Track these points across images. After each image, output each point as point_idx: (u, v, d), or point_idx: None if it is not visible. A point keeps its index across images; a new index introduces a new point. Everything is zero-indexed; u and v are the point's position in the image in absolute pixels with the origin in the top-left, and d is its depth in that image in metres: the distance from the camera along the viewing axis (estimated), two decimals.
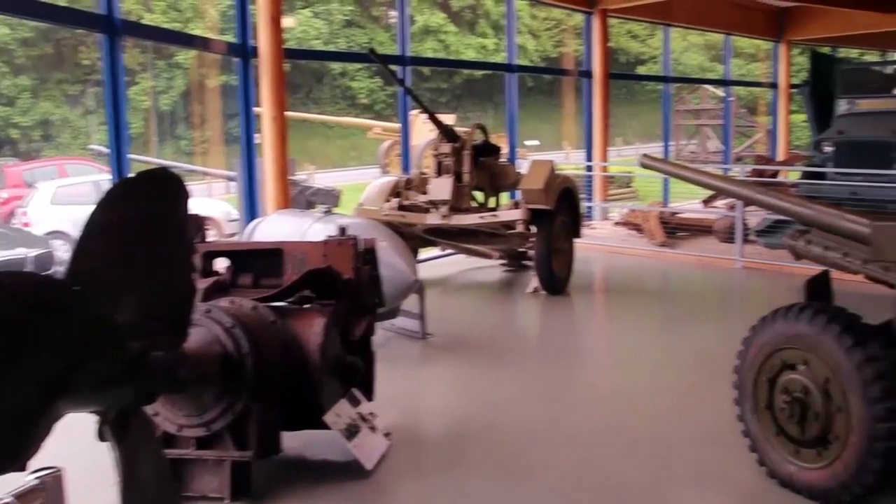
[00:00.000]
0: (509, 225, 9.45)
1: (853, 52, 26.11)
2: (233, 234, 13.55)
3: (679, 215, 14.13)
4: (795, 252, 5.46)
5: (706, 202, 14.99)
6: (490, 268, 11.19)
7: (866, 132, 11.70)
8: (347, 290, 5.00)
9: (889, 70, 13.78)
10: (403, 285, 6.77)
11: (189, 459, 4.42)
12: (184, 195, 3.30)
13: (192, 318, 3.68)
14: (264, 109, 9.11)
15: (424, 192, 9.78)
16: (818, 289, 4.76)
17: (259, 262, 5.18)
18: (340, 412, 4.75)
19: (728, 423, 4.88)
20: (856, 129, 11.92)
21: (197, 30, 33.29)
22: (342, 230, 5.38)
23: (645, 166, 6.81)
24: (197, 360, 3.98)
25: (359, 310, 5.14)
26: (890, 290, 4.53)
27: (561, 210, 9.39)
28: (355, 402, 4.93)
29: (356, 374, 4.97)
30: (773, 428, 4.52)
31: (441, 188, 9.55)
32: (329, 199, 10.90)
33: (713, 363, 6.00)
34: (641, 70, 41.48)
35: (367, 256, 5.40)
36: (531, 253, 9.77)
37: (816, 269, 5.08)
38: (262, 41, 8.99)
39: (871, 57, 24.32)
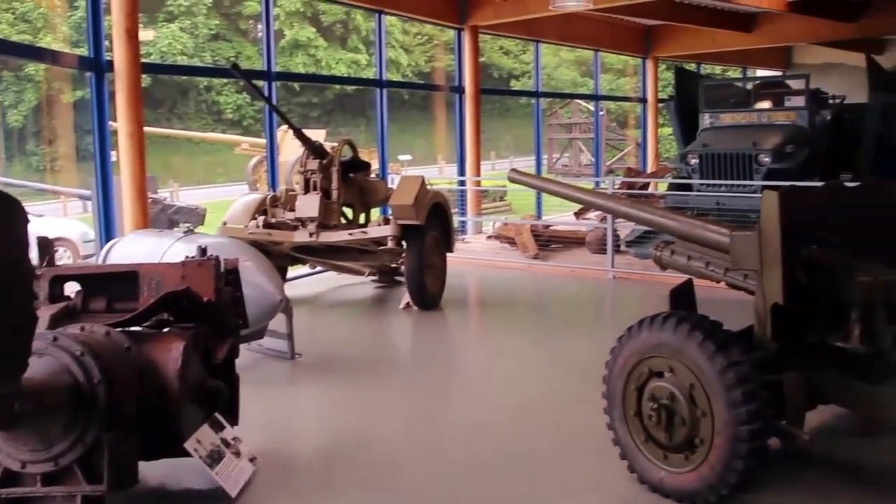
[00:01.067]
0: (380, 241, 9.36)
1: (717, 69, 27.17)
2: (89, 256, 12.98)
3: (552, 228, 14.32)
4: (660, 262, 5.58)
5: (578, 214, 15.24)
6: (362, 284, 11.06)
7: (729, 145, 12.09)
8: (208, 312, 4.81)
9: (749, 85, 14.30)
10: (269, 305, 6.58)
11: (35, 498, 4.13)
12: (20, 217, 3.07)
13: (37, 348, 3.45)
14: (120, 125, 8.75)
15: (292, 210, 9.60)
16: (682, 298, 4.85)
17: (113, 285, 4.92)
18: (202, 438, 4.56)
19: (600, 432, 4.90)
20: (719, 141, 12.30)
21: (49, 42, 31.97)
22: (202, 250, 5.18)
23: (513, 181, 6.86)
24: (40, 392, 3.72)
25: (221, 332, 4.94)
26: (750, 296, 4.65)
27: (432, 225, 9.35)
28: (218, 428, 4.74)
29: (219, 399, 4.79)
30: (642, 435, 4.58)
31: (308, 205, 9.39)
32: (192, 217, 10.61)
33: (586, 373, 6.04)
34: (515, 85, 42.16)
35: (230, 277, 5.21)
36: (403, 269, 9.68)
37: (684, 277, 5.18)
38: (118, 55, 8.65)
39: (734, 73, 25.34)
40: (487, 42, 37.29)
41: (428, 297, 9.41)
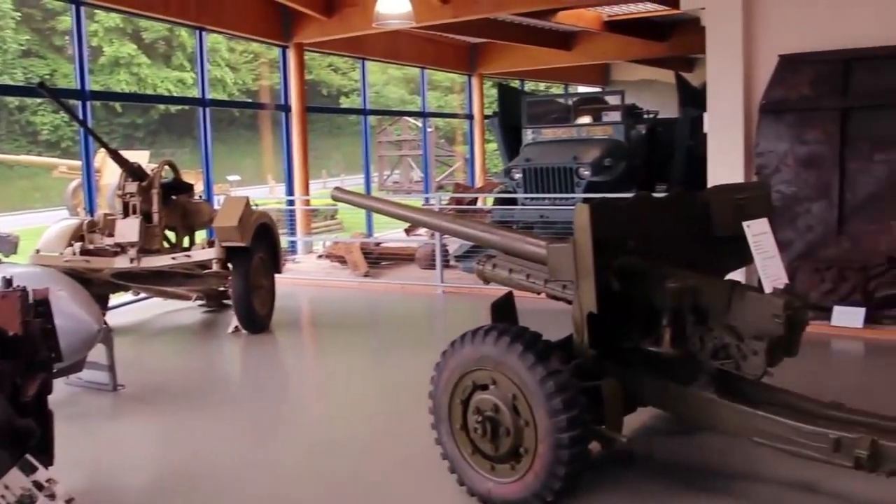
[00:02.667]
0: (205, 264, 9.10)
1: (541, 85, 28.01)
2: None
3: (382, 245, 14.36)
4: (483, 276, 5.67)
5: (409, 231, 15.34)
6: (189, 309, 10.73)
7: (550, 159, 12.47)
8: (14, 347, 4.53)
9: (569, 101, 14.79)
10: (86, 336, 6.26)
11: None
12: None
13: None
14: None
15: (111, 235, 9.18)
16: (503, 310, 4.95)
17: None
18: (10, 483, 4.27)
19: (429, 447, 4.92)
20: (541, 156, 12.67)
21: None
22: (7, 281, 4.89)
23: (337, 199, 6.83)
24: None
25: (30, 367, 4.66)
26: (569, 306, 4.78)
27: (258, 246, 9.19)
28: (30, 470, 4.45)
29: (29, 439, 4.50)
30: (469, 447, 4.64)
31: (128, 230, 9.02)
32: (4, 245, 9.98)
33: (415, 389, 6.04)
34: (345, 102, 42.05)
35: (40, 308, 4.93)
36: (230, 292, 9.45)
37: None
38: None
39: (556, 89, 26.17)
40: (316, 59, 37.08)
41: (257, 319, 9.23)
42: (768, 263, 4.24)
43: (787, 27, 9.31)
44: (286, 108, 15.27)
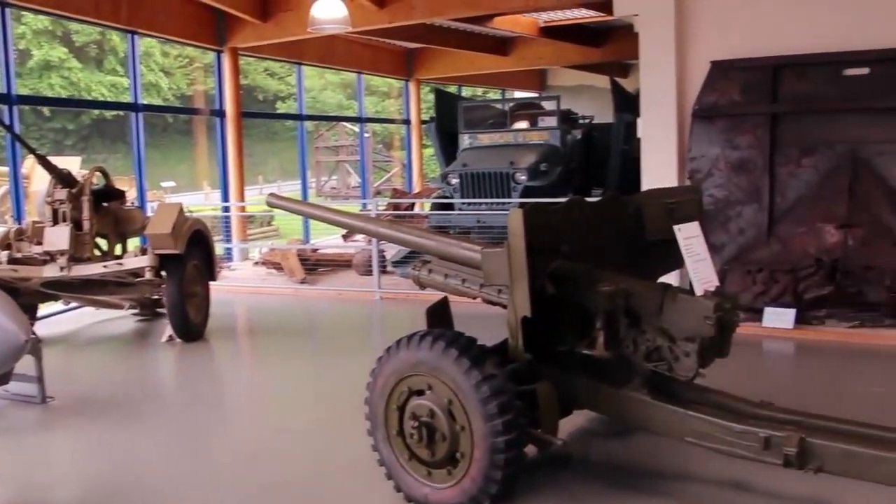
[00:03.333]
0: (137, 272, 8.94)
1: (478, 90, 28.12)
2: None
3: (319, 251, 14.27)
4: (419, 281, 5.66)
5: (346, 237, 15.27)
6: (121, 319, 10.51)
7: (487, 164, 12.51)
8: None
9: (505, 106, 14.87)
10: (12, 347, 6.05)
11: None
12: None
13: None
14: None
15: (40, 243, 8.97)
16: (439, 315, 4.95)
17: None
18: None
19: (366, 453, 4.89)
20: (478, 161, 12.70)
21: None
22: None
23: (271, 206, 6.78)
24: None
25: None
26: (505, 310, 4.80)
27: (192, 253, 9.05)
28: None
29: None
30: (406, 453, 4.63)
31: (58, 238, 8.81)
32: None
33: (352, 396, 6.00)
34: (281, 107, 41.71)
35: None
36: (164, 300, 9.29)
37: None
38: None
39: (494, 94, 26.31)
40: (252, 64, 36.68)
41: (191, 328, 9.09)
42: (699, 266, 4.31)
43: (719, 34, 9.50)
44: (221, 114, 15.09)
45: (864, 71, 8.90)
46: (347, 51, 18.39)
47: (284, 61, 18.92)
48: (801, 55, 9.10)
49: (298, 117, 18.53)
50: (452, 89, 22.72)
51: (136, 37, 13.09)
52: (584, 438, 5.70)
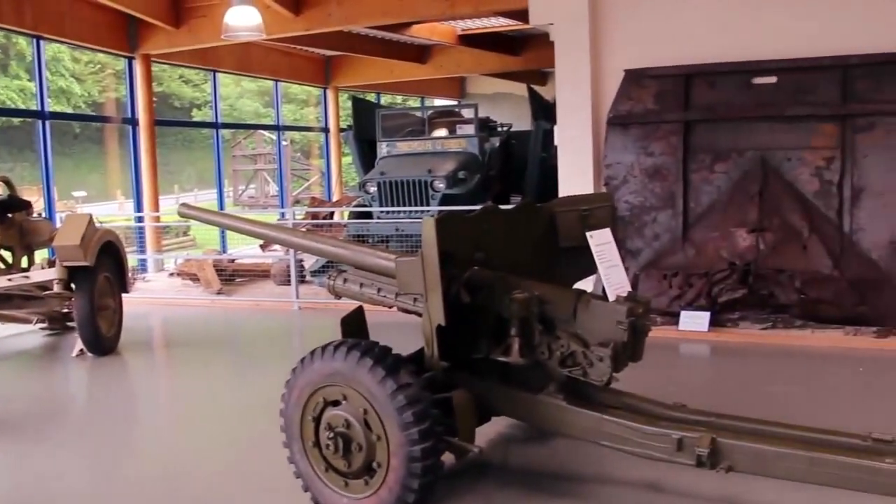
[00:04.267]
0: (45, 285, 8.67)
1: (398, 98, 28.12)
2: None
3: (237, 261, 14.06)
4: (335, 291, 5.61)
5: (264, 246, 15.08)
6: (30, 333, 10.16)
7: (405, 172, 12.49)
8: None
9: (424, 114, 14.88)
10: None
11: None
12: None
13: None
14: None
15: None
16: (354, 325, 4.91)
17: None
18: None
19: (283, 465, 4.81)
20: (396, 169, 12.68)
21: None
22: None
23: (183, 216, 6.65)
24: None
25: None
26: (421, 319, 4.77)
27: (103, 265, 8.81)
28: None
29: None
30: (322, 464, 4.57)
31: None
32: None
33: (271, 408, 5.91)
34: (197, 115, 41.04)
35: None
36: (74, 313, 9.02)
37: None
38: None
39: (413, 102, 26.33)
40: (166, 71, 36.02)
41: (103, 341, 8.84)
42: (611, 272, 4.35)
43: (633, 43, 9.66)
44: (133, 122, 14.78)
45: (772, 80, 9.15)
46: (264, 58, 18.22)
47: (199, 68, 18.67)
48: (712, 64, 9.32)
49: (214, 125, 18.25)
50: (371, 97, 22.69)
51: (42, 42, 12.74)
52: (502, 444, 5.70)
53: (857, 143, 8.78)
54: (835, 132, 8.87)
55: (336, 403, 4.47)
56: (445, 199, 11.91)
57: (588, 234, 4.47)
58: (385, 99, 24.73)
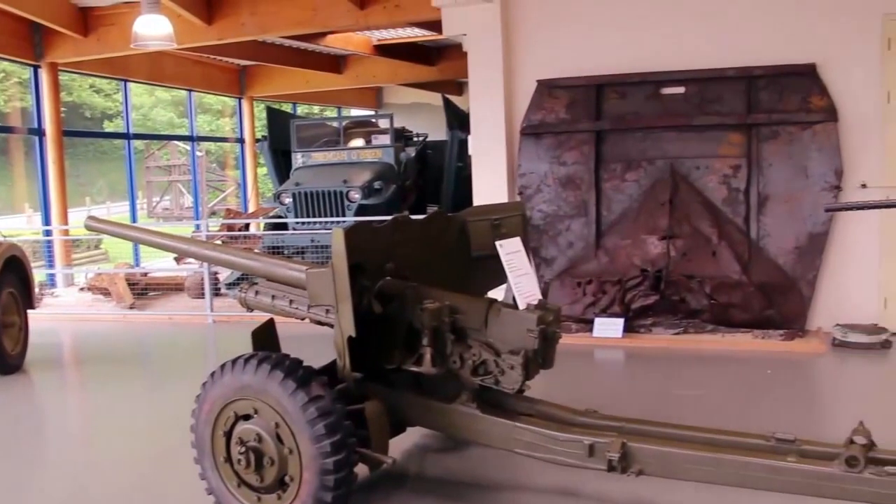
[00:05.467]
0: None
1: (315, 108, 27.96)
2: None
3: (149, 274, 13.79)
4: (246, 304, 5.53)
5: (179, 259, 14.81)
6: None
7: (320, 183, 12.44)
8: None
9: (339, 124, 14.82)
10: None
11: None
12: None
13: None
14: None
15: None
16: (265, 338, 4.85)
17: None
18: None
19: (195, 482, 4.72)
20: (311, 180, 12.62)
21: None
22: None
23: (91, 229, 6.50)
24: None
25: None
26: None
27: (7, 281, 8.54)
28: None
29: None
30: (235, 480, 4.50)
31: None
32: None
33: (182, 425, 5.82)
34: (109, 126, 40.16)
35: None
36: None
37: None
38: None
39: (331, 112, 26.21)
40: (77, 80, 35.17)
41: (7, 360, 8.54)
42: (521, 280, 4.38)
43: (545, 54, 9.78)
44: (40, 132, 14.38)
45: (680, 90, 9.35)
46: (176, 68, 17.93)
47: (109, 77, 18.27)
48: (622, 74, 9.49)
49: (125, 136, 17.88)
50: (287, 107, 22.51)
51: None
52: (418, 455, 5.70)
53: (762, 152, 9.03)
54: (741, 141, 9.11)
55: (247, 417, 4.41)
56: (361, 210, 11.89)
57: (498, 243, 4.50)
58: (301, 109, 24.54)
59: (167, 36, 10.87)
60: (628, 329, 8.95)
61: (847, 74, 8.83)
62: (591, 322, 9.05)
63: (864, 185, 8.78)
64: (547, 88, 9.71)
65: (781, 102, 8.97)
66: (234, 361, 4.43)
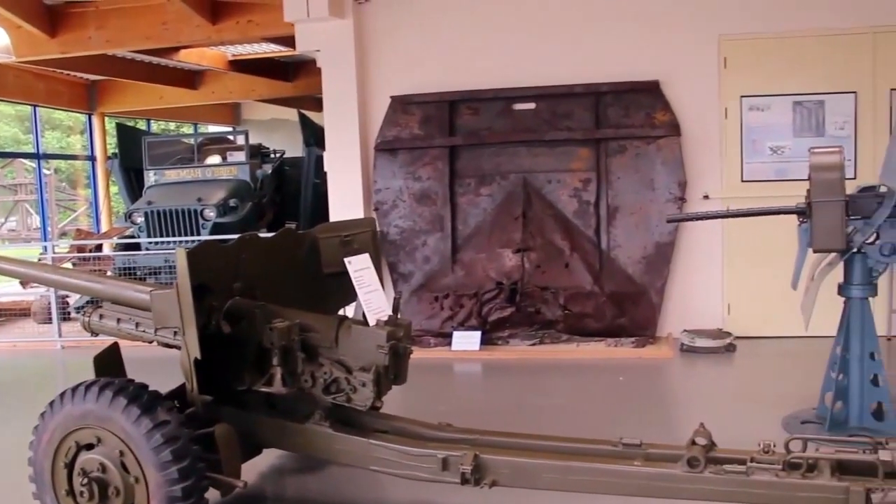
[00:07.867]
0: None
1: (171, 124, 27.24)
2: None
3: None
4: (90, 328, 5.34)
5: (24, 283, 14.13)
6: None
7: (174, 201, 12.14)
8: None
9: (193, 141, 14.51)
10: None
11: None
12: None
13: None
14: None
15: None
16: (108, 363, 4.70)
17: None
18: None
19: None
20: (164, 198, 12.29)
21: None
22: None
23: None
24: None
25: None
26: None
27: None
28: None
29: None
30: None
31: None
32: None
33: (22, 458, 5.56)
34: None
35: None
36: None
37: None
38: None
39: (187, 129, 25.60)
40: None
41: None
42: (371, 297, 4.40)
43: (398, 70, 9.85)
44: None
45: (531, 106, 9.57)
46: (18, 81, 17.06)
47: None
48: (475, 91, 9.64)
49: None
50: (142, 124, 21.85)
51: None
52: (275, 476, 5.61)
53: (610, 166, 9.32)
54: (590, 155, 9.38)
55: (90, 447, 4.25)
56: (217, 228, 11.65)
57: (346, 259, 4.50)
58: (157, 126, 23.88)
59: (4, 48, 10.41)
60: (486, 341, 9.07)
61: (688, 91, 9.25)
62: (450, 336, 9.14)
63: (706, 196, 9.19)
64: (401, 104, 9.77)
65: (628, 118, 9.30)
66: (74, 389, 4.27)
